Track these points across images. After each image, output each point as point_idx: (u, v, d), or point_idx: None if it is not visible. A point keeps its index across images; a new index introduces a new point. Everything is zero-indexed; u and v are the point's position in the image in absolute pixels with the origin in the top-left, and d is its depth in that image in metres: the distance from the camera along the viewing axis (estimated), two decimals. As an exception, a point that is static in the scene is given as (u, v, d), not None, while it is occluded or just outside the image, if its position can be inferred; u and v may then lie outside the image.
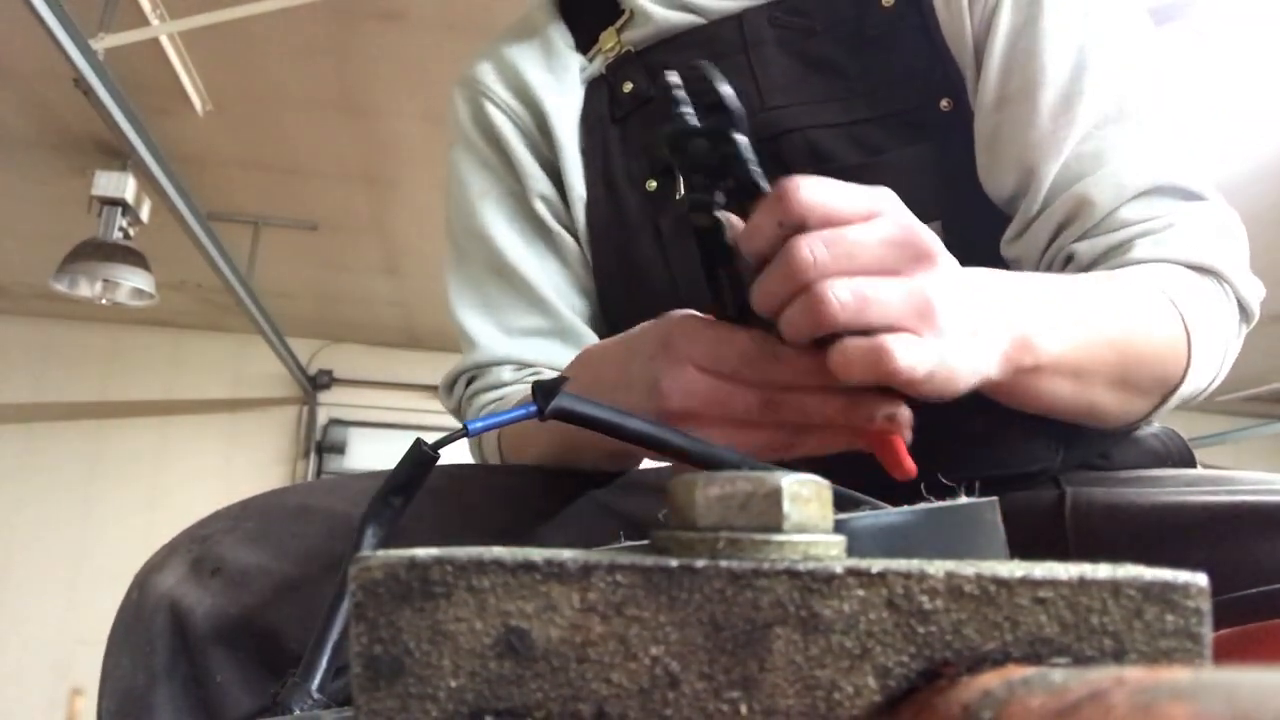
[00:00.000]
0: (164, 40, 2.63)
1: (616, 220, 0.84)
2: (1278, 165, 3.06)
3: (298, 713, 0.41)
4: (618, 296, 0.85)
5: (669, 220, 0.80)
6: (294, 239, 4.03)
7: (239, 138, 3.25)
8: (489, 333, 0.86)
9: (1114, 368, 0.59)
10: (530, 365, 0.85)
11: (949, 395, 0.49)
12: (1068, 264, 0.69)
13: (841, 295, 0.45)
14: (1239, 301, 0.68)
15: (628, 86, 0.83)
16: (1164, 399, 0.64)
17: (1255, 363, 4.47)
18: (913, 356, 0.45)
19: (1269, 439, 5.47)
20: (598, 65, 0.86)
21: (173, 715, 0.57)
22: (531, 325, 0.86)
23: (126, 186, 3.12)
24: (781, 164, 0.75)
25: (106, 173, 3.12)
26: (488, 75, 0.91)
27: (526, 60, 0.89)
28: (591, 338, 0.87)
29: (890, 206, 0.49)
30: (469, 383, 0.87)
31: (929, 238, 0.48)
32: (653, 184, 0.81)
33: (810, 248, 0.45)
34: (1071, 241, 0.69)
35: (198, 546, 0.62)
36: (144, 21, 2.47)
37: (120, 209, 3.18)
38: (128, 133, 2.45)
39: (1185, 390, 0.64)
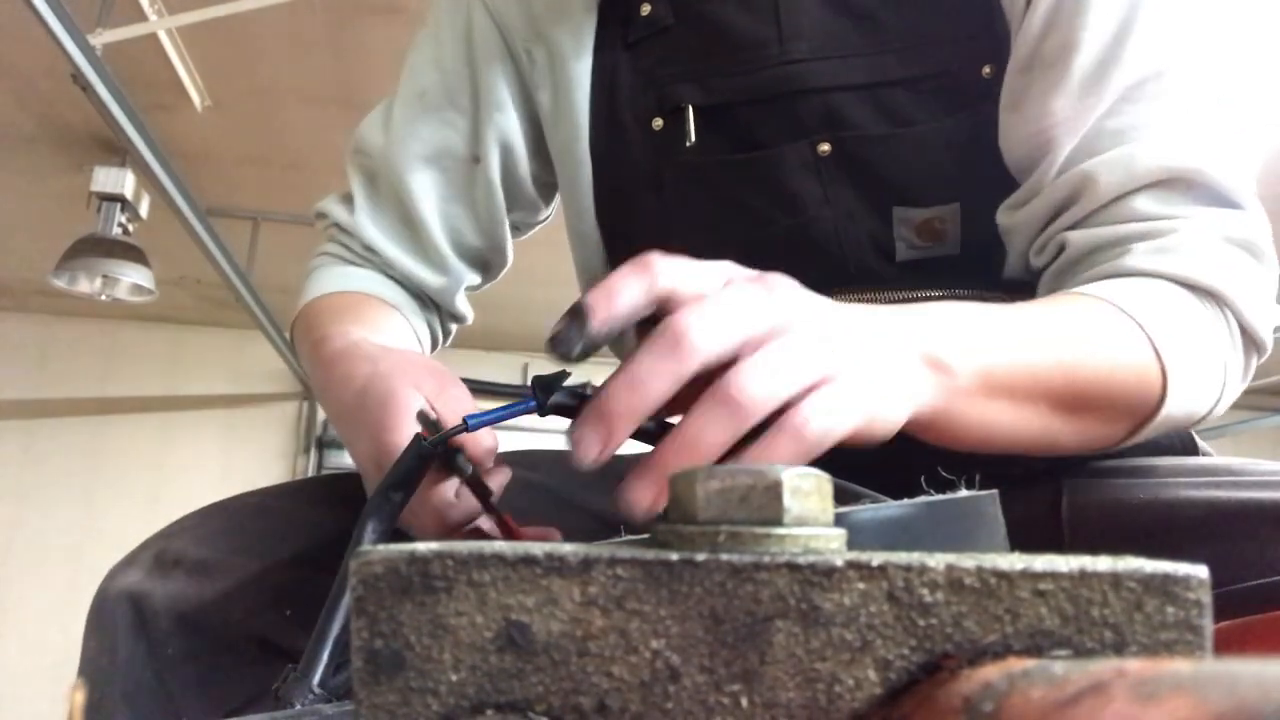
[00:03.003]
0: (162, 35, 2.62)
1: (615, 158, 0.79)
2: (1276, 156, 3.05)
3: (298, 706, 0.41)
4: (617, 238, 0.82)
5: (673, 166, 0.75)
6: (293, 234, 4.02)
7: (238, 133, 3.25)
8: (365, 213, 0.86)
9: (1061, 390, 0.54)
10: (380, 255, 0.86)
11: (881, 438, 0.44)
12: (1059, 254, 0.64)
13: (752, 389, 0.40)
14: (1244, 329, 0.61)
15: (645, 9, 0.77)
16: (1138, 426, 0.58)
17: (1255, 355, 4.46)
18: (828, 420, 0.41)
19: (1270, 431, 5.47)
20: None
21: (132, 688, 0.64)
22: (403, 241, 0.86)
23: (125, 182, 3.12)
24: (798, 124, 0.70)
25: (105, 168, 3.12)
26: None
27: None
28: (461, 272, 0.88)
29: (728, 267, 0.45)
30: (333, 225, 0.89)
31: (782, 280, 0.44)
32: (659, 122, 0.75)
33: (694, 315, 0.41)
34: (1067, 227, 0.64)
35: (162, 543, 0.70)
36: (142, 17, 2.47)
37: (119, 205, 3.19)
38: (126, 128, 2.45)
39: (1167, 417, 0.58)
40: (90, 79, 2.21)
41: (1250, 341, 0.62)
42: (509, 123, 0.84)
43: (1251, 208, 0.62)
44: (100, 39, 2.28)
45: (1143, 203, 0.61)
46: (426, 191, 0.84)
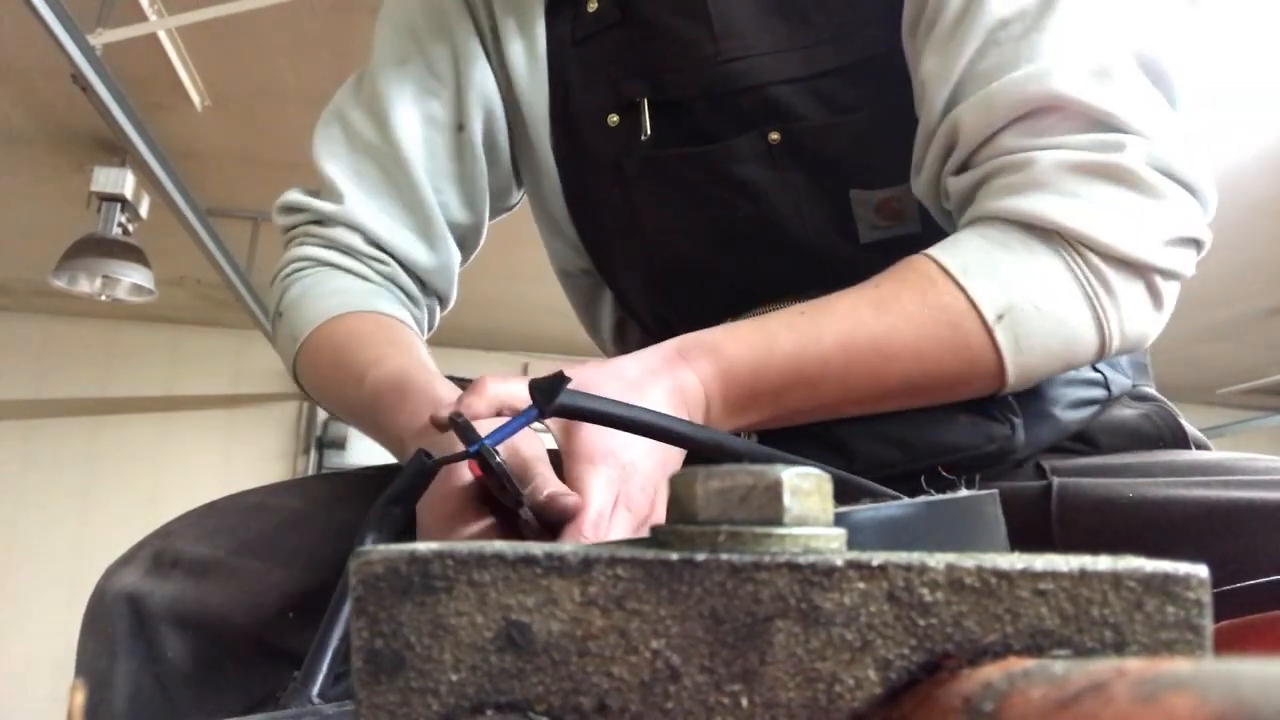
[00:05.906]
0: (162, 35, 2.62)
1: (575, 155, 0.80)
2: (1278, 153, 3.01)
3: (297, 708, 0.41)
4: (590, 233, 0.83)
5: (633, 161, 0.76)
6: (293, 234, 4.02)
7: (238, 133, 3.25)
8: (356, 195, 0.80)
9: (856, 380, 0.58)
10: (381, 246, 0.80)
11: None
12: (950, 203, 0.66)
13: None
14: (1109, 258, 0.58)
15: (592, 6, 0.77)
16: (993, 384, 0.60)
17: (1254, 355, 4.46)
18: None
19: (1269, 431, 5.47)
20: None
21: (131, 690, 0.63)
22: (398, 214, 0.81)
23: (125, 182, 3.13)
24: (745, 117, 0.72)
25: (105, 169, 3.12)
26: None
27: None
28: (453, 249, 0.84)
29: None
30: (309, 222, 0.82)
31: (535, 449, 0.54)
32: (614, 119, 0.77)
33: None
34: (949, 175, 0.64)
35: (160, 542, 0.69)
36: (142, 17, 2.47)
37: (119, 205, 3.19)
38: (126, 128, 2.45)
39: (1025, 368, 0.59)
40: (90, 79, 2.21)
41: (1130, 267, 0.59)
42: (490, 86, 0.83)
43: (1147, 131, 0.59)
44: (100, 39, 2.28)
45: (1007, 139, 0.61)
46: (419, 163, 0.81)
